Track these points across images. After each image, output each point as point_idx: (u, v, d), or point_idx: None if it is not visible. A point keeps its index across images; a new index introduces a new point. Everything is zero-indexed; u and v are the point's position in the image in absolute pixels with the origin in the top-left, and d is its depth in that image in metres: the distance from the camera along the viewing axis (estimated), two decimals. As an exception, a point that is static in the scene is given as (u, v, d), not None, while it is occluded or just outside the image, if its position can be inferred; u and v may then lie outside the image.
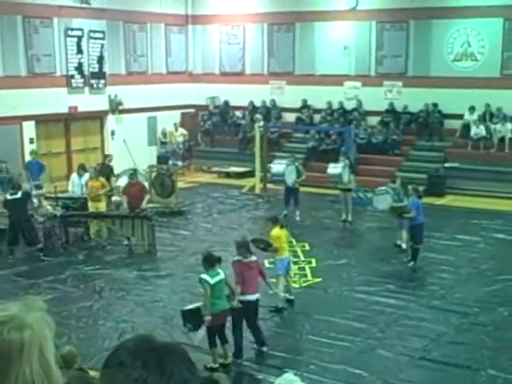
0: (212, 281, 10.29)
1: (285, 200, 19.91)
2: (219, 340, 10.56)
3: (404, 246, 16.29)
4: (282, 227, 13.20)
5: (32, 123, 23.42)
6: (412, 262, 15.42)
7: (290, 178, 19.65)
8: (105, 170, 19.66)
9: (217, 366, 10.48)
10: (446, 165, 23.63)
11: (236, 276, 10.95)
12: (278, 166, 20.67)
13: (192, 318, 10.52)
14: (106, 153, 23.68)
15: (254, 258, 11.23)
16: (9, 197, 16.09)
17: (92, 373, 7.72)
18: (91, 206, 17.62)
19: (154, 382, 1.65)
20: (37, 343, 1.74)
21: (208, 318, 10.26)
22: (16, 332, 1.72)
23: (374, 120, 25.82)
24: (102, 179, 18.25)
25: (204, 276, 10.39)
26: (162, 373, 1.67)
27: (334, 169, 19.68)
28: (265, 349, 11.11)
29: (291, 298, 13.19)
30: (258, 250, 12.95)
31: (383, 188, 17.44)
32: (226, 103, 28.85)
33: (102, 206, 17.78)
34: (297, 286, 14.23)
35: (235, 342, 10.83)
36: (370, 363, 10.69)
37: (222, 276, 10.46)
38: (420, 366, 10.65)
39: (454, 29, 24.50)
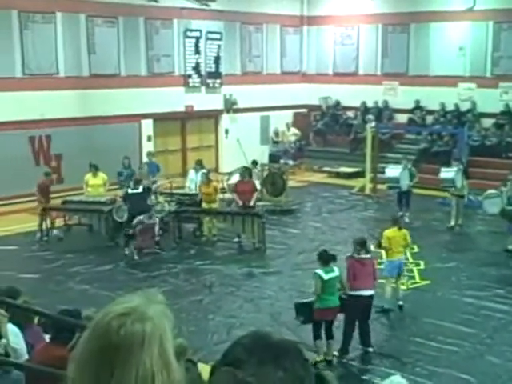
0: (326, 276, 10.54)
1: (398, 202, 19.82)
2: (325, 335, 10.78)
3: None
4: (399, 229, 13.21)
5: (150, 121, 24.23)
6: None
7: (404, 183, 19.47)
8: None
9: (320, 358, 10.71)
10: None
11: (347, 271, 11.13)
12: (392, 171, 20.28)
13: (304, 311, 10.82)
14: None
15: (368, 255, 11.40)
16: (130, 191, 16.76)
17: (201, 365, 8.00)
18: (204, 205, 18.03)
19: (271, 378, 1.66)
20: (157, 336, 1.77)
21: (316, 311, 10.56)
22: (138, 324, 1.75)
23: (488, 122, 25.28)
24: (214, 183, 18.61)
25: (318, 271, 10.66)
26: (279, 369, 1.67)
27: (446, 173, 19.33)
28: (371, 349, 11.20)
29: (400, 303, 13.01)
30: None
31: (494, 191, 17.12)
32: (338, 103, 28.91)
33: (216, 207, 18.18)
34: (404, 287, 14.18)
35: (344, 339, 11.00)
36: (477, 369, 10.55)
37: (336, 273, 10.70)
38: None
39: None
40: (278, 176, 21.31)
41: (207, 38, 25.76)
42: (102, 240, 17.30)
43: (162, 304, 1.86)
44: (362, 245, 11.35)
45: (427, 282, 14.52)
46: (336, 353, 10.97)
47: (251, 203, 17.69)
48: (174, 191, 19.46)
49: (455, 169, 19.19)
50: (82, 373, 1.76)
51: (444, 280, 14.59)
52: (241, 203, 17.63)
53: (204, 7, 25.20)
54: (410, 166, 19.99)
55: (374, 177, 23.40)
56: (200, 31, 25.46)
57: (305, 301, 11.12)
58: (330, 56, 29.41)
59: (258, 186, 19.27)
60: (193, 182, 18.95)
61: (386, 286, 12.91)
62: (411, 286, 14.35)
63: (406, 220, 19.09)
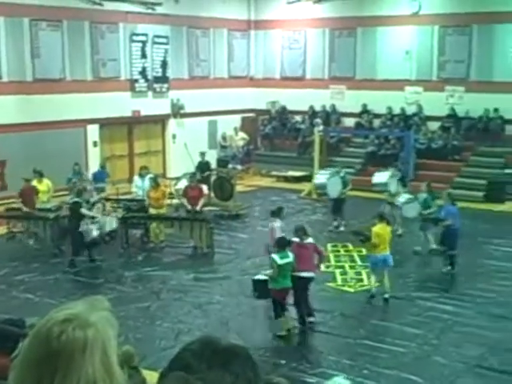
0: (280, 261, 11.69)
1: (331, 210, 19.66)
2: (281, 309, 11.98)
3: (434, 246, 16.07)
4: (387, 224, 13.92)
5: (96, 127, 23.93)
6: (449, 267, 15.29)
7: (335, 190, 19.14)
8: (203, 167, 21.28)
9: (284, 333, 11.88)
10: (507, 171, 23.29)
11: (294, 255, 12.04)
12: (320, 177, 20.09)
13: (260, 288, 12.11)
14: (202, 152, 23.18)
15: (310, 240, 12.49)
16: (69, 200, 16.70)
17: (146, 372, 7.88)
18: (152, 211, 17.88)
19: (220, 383, 1.64)
20: (100, 343, 1.73)
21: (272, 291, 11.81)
22: (80, 330, 1.72)
23: (434, 125, 25.59)
24: (163, 188, 18.52)
25: (274, 256, 11.82)
26: (228, 374, 1.65)
27: (379, 177, 19.18)
28: (312, 319, 12.35)
29: (386, 296, 13.56)
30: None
31: (411, 196, 17.25)
32: (284, 108, 28.97)
33: (163, 212, 18.03)
34: (352, 290, 14.27)
35: (298, 311, 12.26)
36: (425, 370, 10.63)
37: (290, 259, 11.85)
38: (476, 373, 10.55)
39: (517, 33, 24.16)
40: (226, 181, 21.24)
41: (154, 43, 25.56)
42: (48, 248, 17.02)
43: (106, 310, 1.82)
44: (303, 231, 12.53)
45: (376, 284, 14.55)
46: (297, 324, 12.22)
47: (198, 208, 17.62)
48: (121, 197, 19.25)
49: (389, 173, 19.11)
50: (23, 381, 1.71)
51: (392, 282, 14.65)
52: (190, 207, 17.54)
53: (150, 11, 25.00)
54: (342, 173, 19.69)
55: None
56: (146, 35, 25.26)
57: (261, 278, 12.24)
58: (277, 60, 29.47)
59: (206, 191, 19.20)
60: (139, 188, 18.78)
61: (370, 277, 14.03)
62: (359, 289, 14.40)
63: (342, 228, 18.98)
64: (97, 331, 1.74)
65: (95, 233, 15.85)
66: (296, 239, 12.39)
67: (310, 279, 12.33)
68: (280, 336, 11.85)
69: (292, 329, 12.14)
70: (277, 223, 14.03)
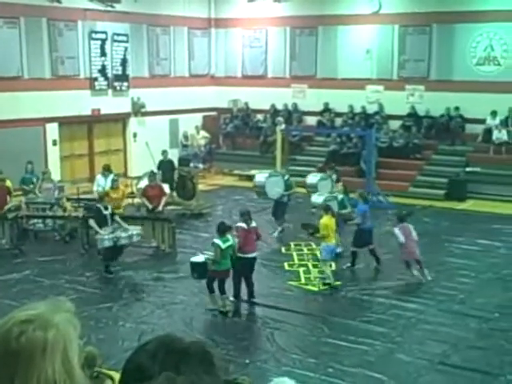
0: (223, 245, 12.68)
1: (272, 213, 19.01)
2: (219, 291, 12.94)
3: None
4: (333, 215, 14.63)
5: (55, 125, 23.62)
6: (349, 264, 15.50)
7: (274, 191, 18.52)
8: (166, 166, 21.15)
9: (215, 308, 12.96)
10: (468, 169, 23.54)
11: (238, 238, 13.17)
12: (259, 176, 19.52)
13: (198, 269, 13.06)
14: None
15: (253, 223, 13.58)
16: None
17: (112, 373, 7.77)
18: None
19: None
20: (61, 344, 1.73)
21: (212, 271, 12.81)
22: (40, 331, 1.71)
23: (395, 124, 25.75)
24: (122, 188, 18.32)
25: (217, 241, 12.76)
26: (179, 375, 1.63)
27: (311, 178, 18.94)
28: (254, 300, 13.39)
29: (329, 281, 14.36)
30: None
31: (329, 195, 17.03)
32: (247, 106, 28.91)
33: (121, 212, 17.79)
34: (316, 289, 14.28)
35: (235, 289, 13.31)
36: (389, 367, 10.67)
37: (231, 242, 12.88)
38: (439, 370, 10.62)
39: (477, 33, 24.41)
40: (187, 179, 21.11)
41: (113, 40, 25.32)
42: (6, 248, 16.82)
43: (68, 312, 1.81)
44: (248, 215, 13.58)
45: (338, 282, 14.59)
46: (232, 298, 13.25)
47: (160, 208, 17.48)
48: (82, 196, 19.01)
49: (321, 176, 18.89)
50: None
51: (355, 280, 14.71)
52: (151, 207, 17.39)
53: (109, 9, 24.74)
54: (287, 176, 19.14)
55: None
56: (106, 33, 24.99)
57: (199, 260, 13.15)
58: (238, 59, 29.40)
59: (167, 190, 19.04)
60: (101, 187, 18.55)
61: (325, 268, 14.56)
62: (322, 288, 14.39)
63: (275, 234, 18.48)
64: (58, 332, 1.72)
65: (107, 243, 15.18)
66: (243, 224, 13.38)
67: (255, 259, 13.53)
68: (211, 310, 12.98)
69: (229, 312, 12.98)
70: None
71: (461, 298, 13.74)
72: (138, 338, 11.52)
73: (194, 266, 13.18)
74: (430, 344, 11.47)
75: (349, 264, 15.55)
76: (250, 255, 13.29)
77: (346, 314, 12.92)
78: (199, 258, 13.23)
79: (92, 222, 15.54)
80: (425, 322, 12.47)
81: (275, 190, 18.58)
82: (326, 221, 14.41)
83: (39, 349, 1.70)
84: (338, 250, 15.84)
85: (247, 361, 10.82)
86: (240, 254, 13.10)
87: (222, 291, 12.99)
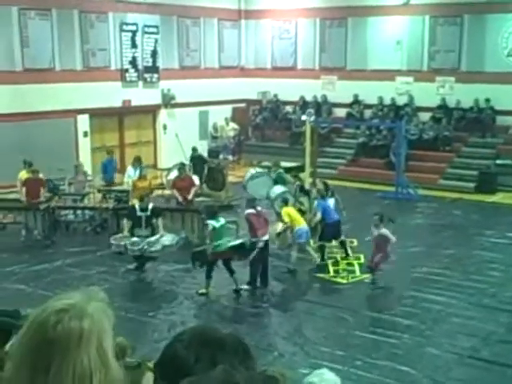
0: (217, 224, 13.12)
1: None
2: (228, 272, 13.34)
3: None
4: (286, 204, 15.34)
5: (86, 117, 23.80)
6: (318, 260, 15.30)
7: (259, 191, 17.91)
8: (197, 160, 21.07)
9: (205, 291, 13.32)
10: (498, 162, 23.32)
11: (249, 224, 13.61)
12: (248, 173, 19.15)
13: (199, 257, 13.44)
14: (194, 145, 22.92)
15: (259, 208, 14.07)
16: None
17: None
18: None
19: (207, 377, 1.62)
20: (96, 333, 1.74)
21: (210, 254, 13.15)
22: (76, 321, 1.73)
23: (425, 116, 25.58)
24: (150, 178, 18.40)
25: (210, 221, 13.26)
26: (214, 366, 1.65)
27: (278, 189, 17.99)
28: (265, 288, 13.66)
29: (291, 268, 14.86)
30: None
31: (285, 189, 17.20)
32: (277, 97, 28.89)
33: None
34: (345, 281, 14.28)
35: (251, 276, 13.48)
36: (417, 361, 10.62)
37: (223, 222, 13.39)
38: (469, 364, 10.54)
39: (508, 23, 24.13)
40: (217, 171, 21.17)
41: (144, 32, 25.43)
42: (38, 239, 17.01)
43: (102, 302, 1.83)
44: (254, 201, 14.33)
45: (367, 275, 14.56)
46: (245, 286, 13.49)
47: (190, 197, 17.49)
48: (112, 188, 19.16)
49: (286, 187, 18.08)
50: (18, 370, 1.70)
51: (384, 273, 14.66)
52: (181, 199, 17.46)
53: (139, 0, 24.85)
54: (274, 174, 18.83)
55: (313, 171, 23.39)
56: (136, 25, 25.11)
57: (198, 249, 13.65)
58: (268, 50, 29.37)
59: (197, 182, 19.11)
60: (130, 178, 18.68)
61: (309, 252, 15.14)
62: (351, 280, 14.39)
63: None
64: (93, 322, 1.74)
65: (131, 251, 14.45)
66: (251, 210, 13.76)
67: (267, 241, 13.78)
68: (202, 294, 13.35)
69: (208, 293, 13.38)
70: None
71: (491, 291, 13.64)
72: (167, 329, 11.61)
73: (195, 255, 13.60)
74: (460, 338, 11.41)
75: (318, 260, 15.24)
76: (263, 238, 13.54)
77: (374, 306, 12.93)
78: (199, 248, 13.80)
79: (124, 222, 15.00)
80: (454, 316, 12.39)
81: (261, 190, 17.99)
82: (286, 210, 14.99)
83: (75, 338, 1.71)
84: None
85: (276, 353, 10.86)
86: (254, 239, 13.44)
87: (230, 271, 13.39)
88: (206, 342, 1.70)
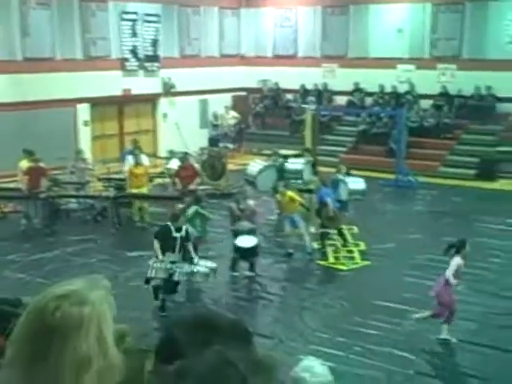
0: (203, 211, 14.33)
1: None
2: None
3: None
4: (276, 192, 16.12)
5: (86, 106, 23.78)
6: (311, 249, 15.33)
7: (265, 185, 17.86)
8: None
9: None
10: (499, 149, 23.29)
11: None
12: (254, 167, 18.66)
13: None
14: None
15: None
16: None
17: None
18: (133, 190, 17.67)
19: (199, 359, 1.63)
20: (96, 320, 1.74)
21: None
22: (76, 307, 1.72)
23: (426, 103, 25.53)
24: (146, 164, 18.28)
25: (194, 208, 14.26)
26: (208, 352, 1.64)
27: (294, 164, 18.23)
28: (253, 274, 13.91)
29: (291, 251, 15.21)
30: None
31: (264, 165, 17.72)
32: (277, 85, 28.84)
33: (145, 191, 17.89)
34: (345, 268, 14.29)
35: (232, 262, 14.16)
36: (418, 347, 10.63)
37: (195, 209, 14.24)
38: (469, 349, 10.58)
39: (510, 11, 24.03)
40: (217, 160, 21.16)
41: (144, 21, 25.37)
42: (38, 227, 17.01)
43: (104, 289, 1.83)
44: (243, 193, 15.08)
45: (367, 262, 14.58)
46: (248, 272, 13.91)
47: (192, 187, 17.49)
48: (112, 176, 19.16)
49: (303, 160, 18.56)
50: (17, 356, 1.71)
51: (384, 260, 14.67)
52: (181, 187, 17.43)
53: (140, -11, 24.79)
54: (278, 164, 18.60)
55: (314, 159, 23.38)
56: (136, 13, 25.05)
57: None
58: (269, 38, 29.29)
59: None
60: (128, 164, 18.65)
61: (303, 237, 15.20)
62: (352, 267, 14.40)
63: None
64: (94, 309, 1.74)
65: (161, 274, 12.25)
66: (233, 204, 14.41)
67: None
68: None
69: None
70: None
71: (491, 277, 13.65)
72: (168, 317, 11.64)
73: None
74: (460, 323, 11.39)
75: (310, 249, 15.23)
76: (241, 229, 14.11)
77: (374, 293, 12.91)
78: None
79: (156, 244, 12.31)
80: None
81: (267, 182, 17.87)
82: (289, 194, 15.32)
83: (74, 324, 1.71)
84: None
85: (275, 339, 10.87)
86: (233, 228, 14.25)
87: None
88: (203, 326, 1.71)
